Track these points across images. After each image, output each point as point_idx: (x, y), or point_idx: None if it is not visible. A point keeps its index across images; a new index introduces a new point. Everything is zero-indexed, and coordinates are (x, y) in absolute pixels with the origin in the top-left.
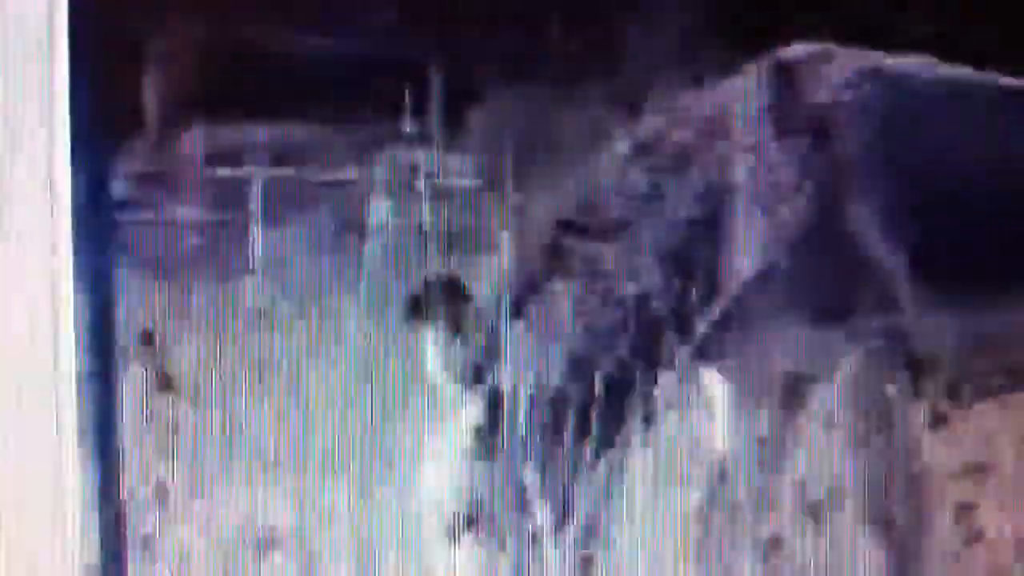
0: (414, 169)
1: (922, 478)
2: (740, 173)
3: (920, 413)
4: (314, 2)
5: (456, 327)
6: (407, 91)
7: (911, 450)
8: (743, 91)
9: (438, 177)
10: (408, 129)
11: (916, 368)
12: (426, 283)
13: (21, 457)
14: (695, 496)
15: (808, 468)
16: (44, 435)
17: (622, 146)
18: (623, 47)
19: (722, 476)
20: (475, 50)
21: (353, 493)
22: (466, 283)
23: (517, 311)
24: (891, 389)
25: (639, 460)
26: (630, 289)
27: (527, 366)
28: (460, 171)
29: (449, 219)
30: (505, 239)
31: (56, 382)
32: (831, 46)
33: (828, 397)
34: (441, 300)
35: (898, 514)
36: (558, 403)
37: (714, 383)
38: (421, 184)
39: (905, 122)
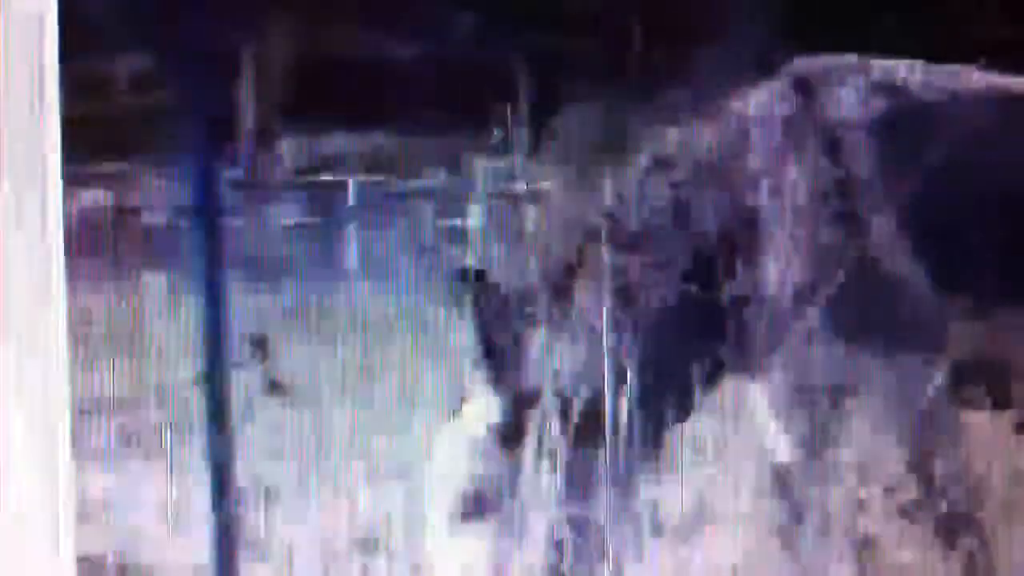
0: (502, 173)
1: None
2: (761, 188)
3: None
4: (404, 15)
5: (484, 320)
6: (495, 99)
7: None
8: (762, 105)
9: (524, 181)
10: (496, 136)
11: (955, 373)
12: (461, 275)
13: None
14: (744, 500)
15: (861, 472)
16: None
17: (644, 158)
18: (699, 58)
19: (778, 482)
20: (560, 59)
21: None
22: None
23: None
24: (934, 393)
25: (672, 463)
26: (654, 300)
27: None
28: (544, 175)
29: (539, 221)
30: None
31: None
32: (847, 59)
33: (867, 406)
34: (473, 294)
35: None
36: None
37: (754, 395)
38: (513, 187)
39: (919, 134)
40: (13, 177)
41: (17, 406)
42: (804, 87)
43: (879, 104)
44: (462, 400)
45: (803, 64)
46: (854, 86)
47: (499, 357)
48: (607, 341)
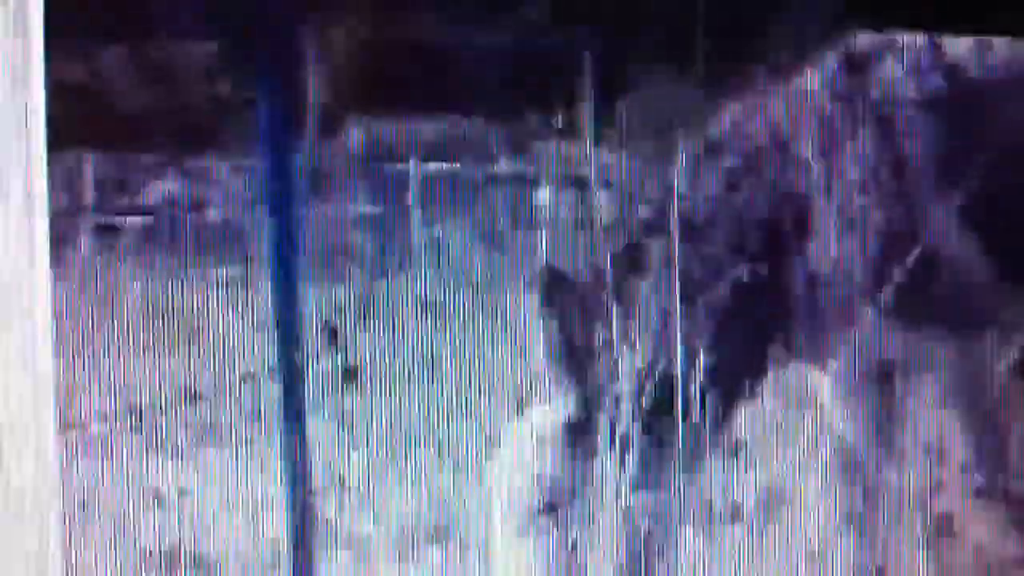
0: (570, 159)
1: None
2: (812, 171)
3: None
4: (471, 1)
5: (556, 310)
6: (561, 84)
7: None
8: (815, 84)
9: (593, 166)
10: (562, 121)
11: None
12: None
13: None
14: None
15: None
16: None
17: (695, 144)
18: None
19: (848, 465)
20: (626, 43)
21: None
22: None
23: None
24: (1005, 374)
25: (745, 457)
26: (715, 285)
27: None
28: (613, 160)
29: (608, 207)
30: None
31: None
32: (902, 35)
33: (936, 388)
34: (552, 288)
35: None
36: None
37: (818, 378)
38: (582, 172)
39: (976, 114)
40: None
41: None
42: (856, 65)
43: (934, 83)
44: (528, 394)
45: (857, 41)
46: (907, 64)
47: (570, 347)
48: (678, 325)
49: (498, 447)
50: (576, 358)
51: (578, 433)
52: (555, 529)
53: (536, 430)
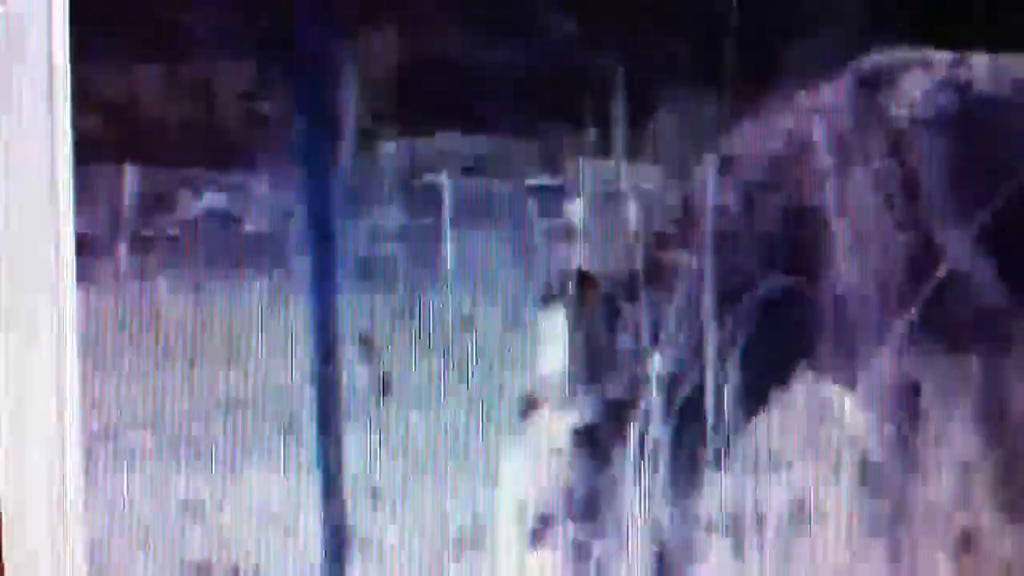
0: (602, 173)
1: None
2: (826, 190)
3: None
4: (503, 19)
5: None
6: (592, 99)
7: None
8: (829, 101)
9: (624, 180)
10: (593, 136)
11: None
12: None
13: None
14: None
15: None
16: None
17: (711, 158)
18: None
19: (874, 479)
20: (656, 58)
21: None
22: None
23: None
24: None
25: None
26: (735, 298)
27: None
28: (643, 174)
29: (638, 219)
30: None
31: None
32: (917, 53)
33: (959, 405)
34: (572, 291)
35: None
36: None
37: (842, 394)
38: (614, 186)
39: (986, 134)
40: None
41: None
42: (870, 82)
43: (946, 100)
44: (534, 402)
45: (872, 59)
46: (920, 81)
47: (595, 354)
48: (709, 338)
49: (521, 458)
50: (601, 366)
51: (602, 443)
52: (579, 538)
53: (556, 439)
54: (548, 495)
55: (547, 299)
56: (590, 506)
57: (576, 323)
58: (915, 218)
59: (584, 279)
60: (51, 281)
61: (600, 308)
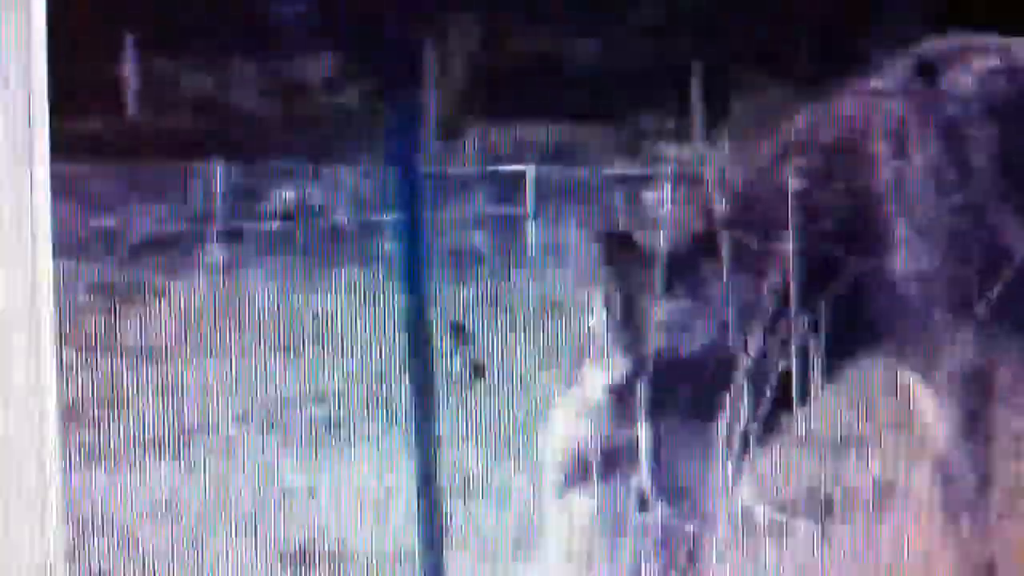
0: (682, 159)
1: None
2: (884, 173)
3: None
4: (582, 7)
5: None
6: (672, 86)
7: None
8: (887, 87)
9: (705, 165)
10: (672, 124)
11: None
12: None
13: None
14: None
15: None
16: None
17: (768, 145)
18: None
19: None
20: (732, 47)
21: None
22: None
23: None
24: None
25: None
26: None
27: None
28: (722, 160)
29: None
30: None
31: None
32: (971, 39)
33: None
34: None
35: None
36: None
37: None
38: (695, 171)
39: None
40: None
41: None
42: (927, 69)
43: (999, 86)
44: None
45: (931, 44)
46: (975, 67)
47: (632, 316)
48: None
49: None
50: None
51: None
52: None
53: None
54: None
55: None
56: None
57: (615, 285)
58: (980, 204)
59: (624, 243)
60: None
61: (639, 271)
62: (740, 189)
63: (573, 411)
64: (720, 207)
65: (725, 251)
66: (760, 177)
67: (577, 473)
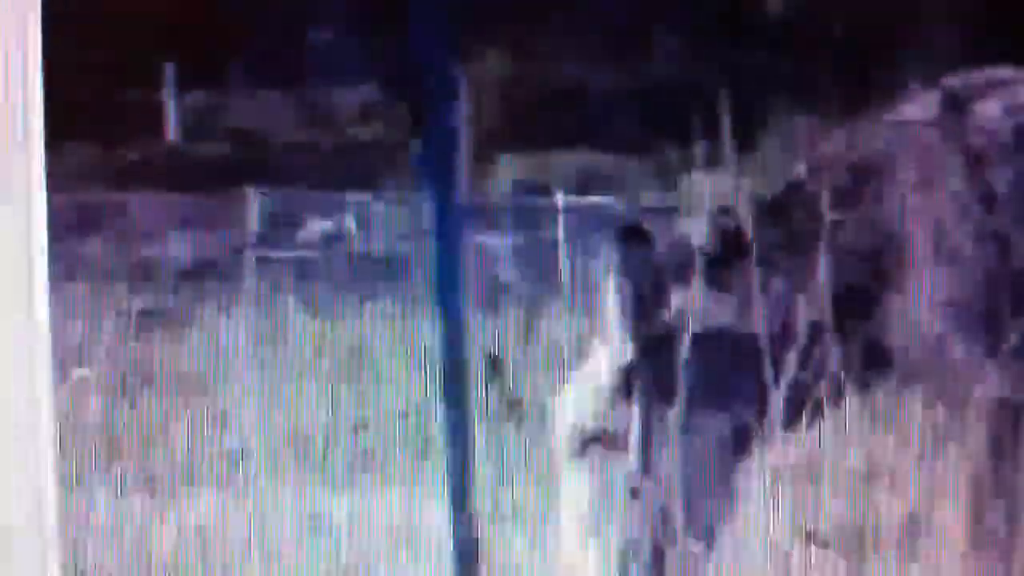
0: (711, 189)
1: None
2: (910, 203)
3: None
4: (610, 39)
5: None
6: (700, 116)
7: None
8: (913, 117)
9: (735, 195)
10: (702, 154)
11: None
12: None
13: None
14: None
15: None
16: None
17: (800, 167)
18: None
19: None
20: (760, 76)
21: None
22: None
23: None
24: None
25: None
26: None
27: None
28: (753, 187)
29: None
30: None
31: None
32: (998, 73)
33: None
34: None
35: None
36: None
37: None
38: (724, 202)
39: None
40: None
41: None
42: (954, 101)
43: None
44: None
45: (959, 77)
46: (1003, 100)
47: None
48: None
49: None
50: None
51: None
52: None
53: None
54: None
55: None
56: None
57: (623, 270)
58: (988, 231)
59: (634, 234)
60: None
61: (650, 259)
62: (768, 213)
63: (580, 386)
64: (749, 232)
65: (756, 274)
66: (789, 198)
67: (579, 447)
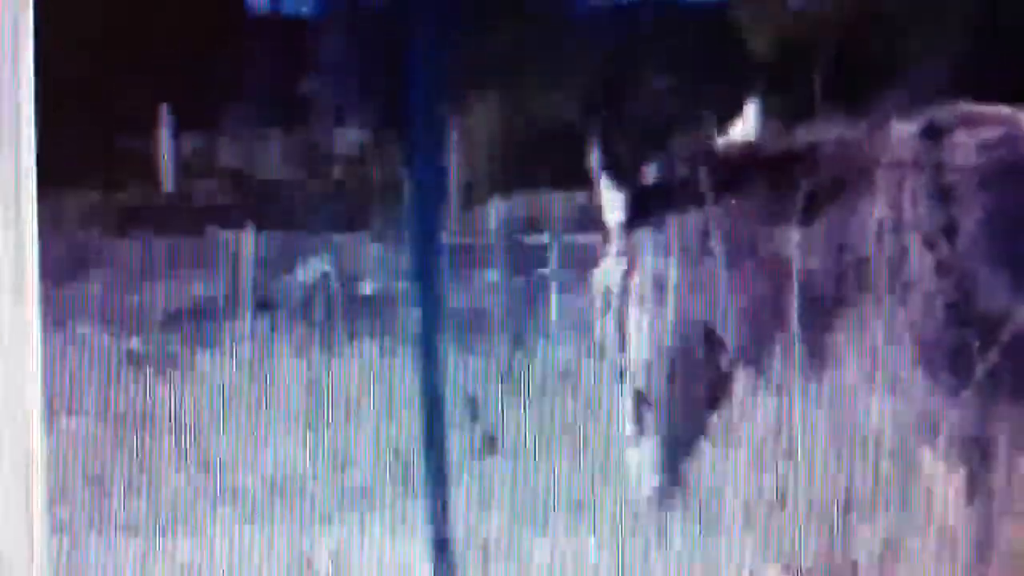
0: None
1: None
2: (878, 229)
3: None
4: (597, 82)
5: None
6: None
7: None
8: (892, 146)
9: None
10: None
11: None
12: None
13: None
14: None
15: None
16: None
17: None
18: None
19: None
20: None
21: None
22: None
23: None
24: None
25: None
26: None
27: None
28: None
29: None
30: None
31: None
32: (978, 108)
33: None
34: None
35: None
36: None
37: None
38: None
39: None
40: None
41: None
42: (932, 132)
43: (998, 155)
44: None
45: (941, 110)
46: (977, 135)
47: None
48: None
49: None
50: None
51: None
52: None
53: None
54: None
55: None
56: None
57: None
58: (948, 262)
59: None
60: None
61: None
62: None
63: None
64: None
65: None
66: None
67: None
